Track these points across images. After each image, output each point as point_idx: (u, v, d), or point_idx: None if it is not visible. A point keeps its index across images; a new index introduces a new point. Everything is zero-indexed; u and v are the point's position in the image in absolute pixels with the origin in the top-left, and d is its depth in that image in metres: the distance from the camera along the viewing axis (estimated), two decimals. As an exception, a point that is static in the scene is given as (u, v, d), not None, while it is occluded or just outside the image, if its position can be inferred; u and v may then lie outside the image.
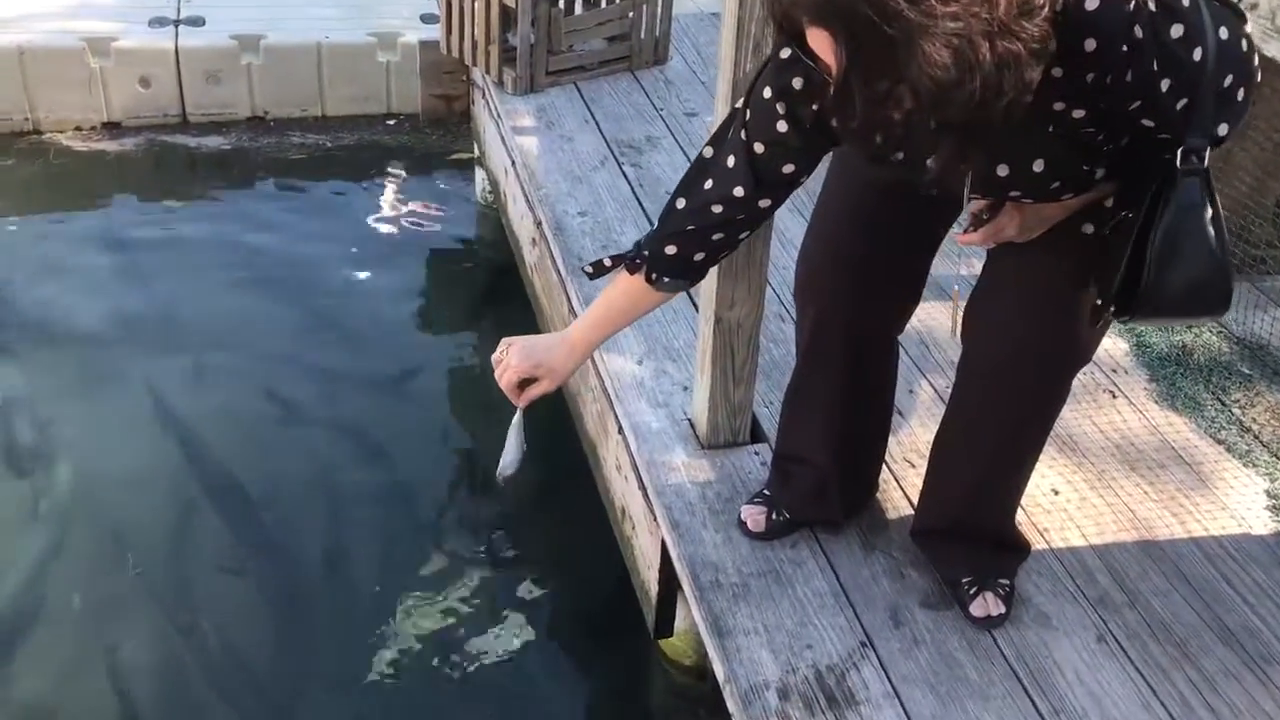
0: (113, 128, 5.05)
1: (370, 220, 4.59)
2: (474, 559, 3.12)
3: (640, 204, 3.50)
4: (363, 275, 4.25)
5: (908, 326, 2.22)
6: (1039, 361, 1.96)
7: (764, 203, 1.82)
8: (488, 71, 4.15)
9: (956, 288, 2.05)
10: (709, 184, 1.81)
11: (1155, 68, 1.49)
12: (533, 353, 1.96)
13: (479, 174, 4.65)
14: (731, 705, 2.09)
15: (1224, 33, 1.49)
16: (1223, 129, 1.56)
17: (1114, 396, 2.83)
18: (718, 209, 1.81)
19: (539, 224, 3.51)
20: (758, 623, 2.19)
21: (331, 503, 3.27)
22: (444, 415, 3.66)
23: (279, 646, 2.86)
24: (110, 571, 3.01)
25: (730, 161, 1.79)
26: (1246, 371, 2.94)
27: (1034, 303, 1.92)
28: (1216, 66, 1.49)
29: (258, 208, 4.69)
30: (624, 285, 1.93)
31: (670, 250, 1.86)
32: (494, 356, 2.00)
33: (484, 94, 4.34)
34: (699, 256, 1.88)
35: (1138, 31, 1.47)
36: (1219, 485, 2.59)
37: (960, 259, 2.55)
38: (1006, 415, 2.07)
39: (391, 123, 5.28)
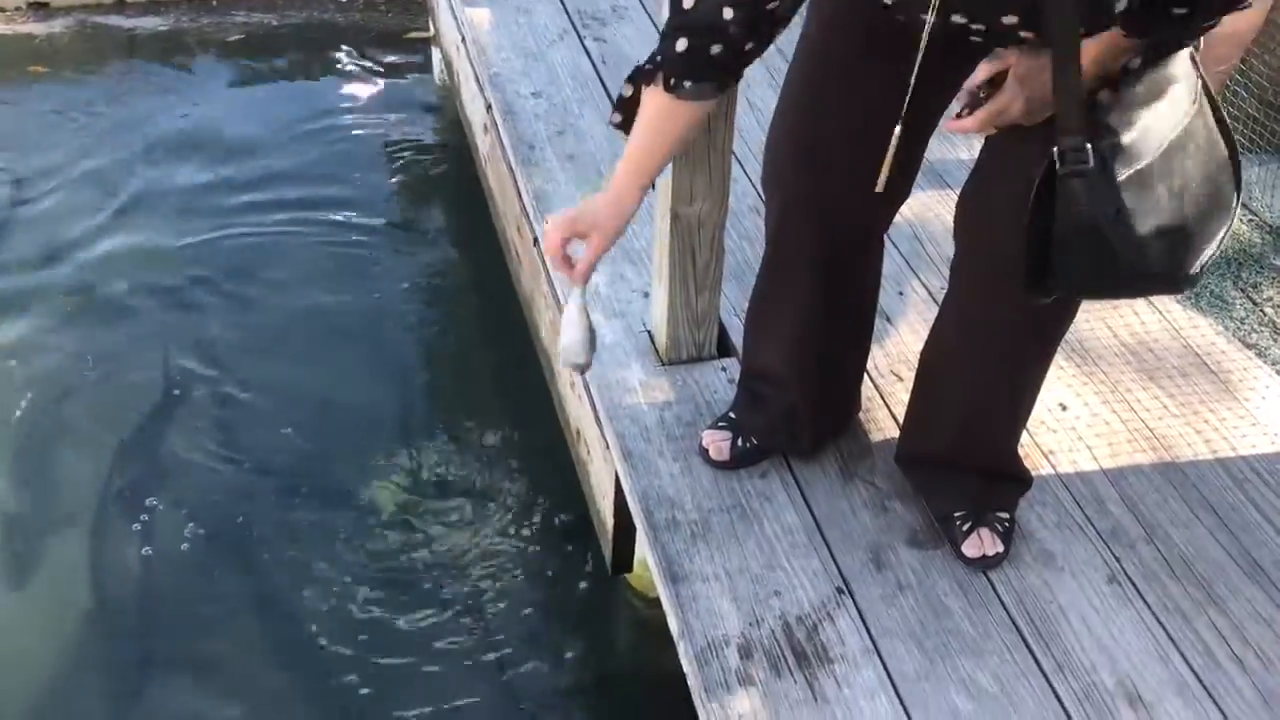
0: (40, 8, 4.71)
1: (318, 108, 4.22)
2: (425, 487, 2.85)
3: (603, 83, 3.13)
4: (310, 171, 3.89)
5: (898, 219, 1.90)
6: None
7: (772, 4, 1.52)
8: (437, -64, 3.73)
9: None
10: None
11: None
12: (573, 211, 1.69)
13: (435, 53, 4.26)
14: (686, 664, 1.82)
15: None
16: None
17: (1130, 295, 2.52)
18: None
19: (489, 108, 3.14)
20: (718, 567, 1.91)
21: (264, 429, 2.99)
22: (398, 326, 3.35)
23: (230, 567, 2.67)
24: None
25: None
26: (1280, 264, 2.62)
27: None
28: None
29: (200, 94, 4.31)
30: (649, 107, 1.63)
31: (681, 45, 1.56)
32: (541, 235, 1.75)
33: (436, -37, 3.93)
34: (716, 49, 1.56)
35: None
36: (1249, 397, 2.29)
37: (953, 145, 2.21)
38: (1006, 323, 1.77)
39: (343, -1, 4.87)
